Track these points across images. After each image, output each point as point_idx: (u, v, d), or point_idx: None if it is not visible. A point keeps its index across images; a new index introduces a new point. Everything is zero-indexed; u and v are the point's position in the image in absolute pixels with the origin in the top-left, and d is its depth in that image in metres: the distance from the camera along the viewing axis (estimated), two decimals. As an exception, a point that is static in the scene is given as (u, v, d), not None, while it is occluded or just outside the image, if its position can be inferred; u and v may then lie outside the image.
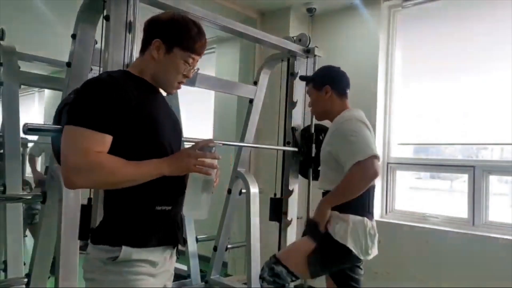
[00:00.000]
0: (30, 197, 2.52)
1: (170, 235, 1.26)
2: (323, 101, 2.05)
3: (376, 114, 3.38)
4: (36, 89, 7.29)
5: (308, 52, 2.60)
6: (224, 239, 2.94)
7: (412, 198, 3.47)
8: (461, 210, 3.07)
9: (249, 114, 2.83)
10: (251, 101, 2.82)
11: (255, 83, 2.82)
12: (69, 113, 1.15)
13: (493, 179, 2.99)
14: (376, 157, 1.77)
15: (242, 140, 2.83)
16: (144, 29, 1.29)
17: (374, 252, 1.88)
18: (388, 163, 3.46)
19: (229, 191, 2.87)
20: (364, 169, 1.76)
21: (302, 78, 2.34)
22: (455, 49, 3.18)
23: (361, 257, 1.82)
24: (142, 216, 1.22)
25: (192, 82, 2.29)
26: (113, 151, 1.14)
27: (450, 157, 3.33)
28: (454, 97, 3.16)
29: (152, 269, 1.23)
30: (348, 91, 2.07)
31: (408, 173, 3.51)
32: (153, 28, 1.26)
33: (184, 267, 3.35)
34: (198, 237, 3.28)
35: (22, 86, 2.66)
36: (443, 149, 3.37)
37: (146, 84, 1.26)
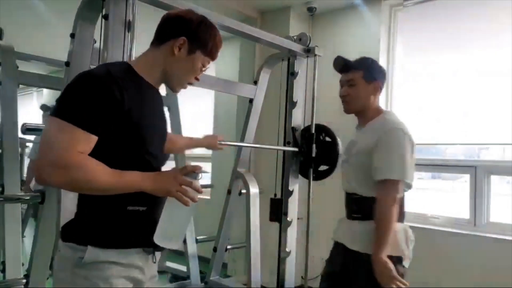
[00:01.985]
0: (28, 198, 2.50)
1: (145, 237, 1.18)
2: (367, 96, 1.86)
3: (377, 114, 3.37)
4: (35, 88, 7.29)
5: (309, 51, 2.58)
6: (224, 239, 2.92)
7: (413, 198, 3.45)
8: (462, 210, 3.06)
9: (249, 114, 2.81)
10: (251, 101, 2.80)
11: (255, 82, 2.80)
12: (58, 104, 1.08)
13: (494, 179, 2.98)
14: (403, 183, 1.71)
15: (242, 140, 2.82)
16: (165, 22, 1.25)
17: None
18: (388, 163, 3.44)
19: (229, 191, 2.85)
20: (392, 190, 1.69)
21: (351, 62, 1.91)
22: (456, 48, 3.17)
23: (406, 266, 1.74)
24: (112, 215, 1.17)
25: (191, 82, 2.28)
26: (97, 151, 1.09)
27: (452, 157, 3.32)
28: (455, 97, 3.15)
29: (124, 271, 1.17)
30: None
31: (409, 173, 3.49)
32: (180, 25, 1.23)
33: (184, 268, 3.33)
34: (198, 237, 3.26)
35: (21, 86, 2.65)
36: (444, 149, 3.36)
37: (145, 85, 1.23)
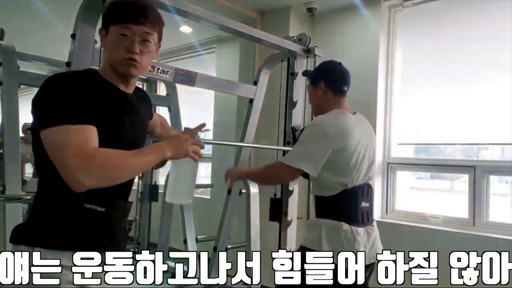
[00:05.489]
0: (29, 197, 2.51)
1: (101, 241, 1.14)
2: (317, 98, 1.98)
3: (376, 114, 3.38)
4: (36, 89, 7.25)
5: (308, 52, 2.59)
6: (224, 239, 2.93)
7: (413, 198, 3.47)
8: (461, 210, 3.07)
9: (249, 114, 2.82)
10: (251, 101, 2.81)
11: (255, 83, 2.81)
12: (43, 116, 1.05)
13: (493, 179, 2.99)
14: (299, 171, 1.76)
15: (242, 140, 2.83)
16: None
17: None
18: (388, 163, 3.46)
19: (229, 191, 2.86)
20: (280, 171, 1.83)
21: (304, 73, 2.25)
22: (455, 49, 3.18)
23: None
24: (67, 213, 1.11)
25: (192, 82, 2.29)
26: None
27: (451, 157, 3.32)
28: (454, 97, 3.16)
29: (75, 276, 1.08)
30: (345, 88, 1.93)
31: (408, 173, 3.50)
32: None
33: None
34: (198, 237, 3.27)
35: (22, 86, 2.66)
36: (444, 149, 3.37)
37: (108, 85, 1.20)
